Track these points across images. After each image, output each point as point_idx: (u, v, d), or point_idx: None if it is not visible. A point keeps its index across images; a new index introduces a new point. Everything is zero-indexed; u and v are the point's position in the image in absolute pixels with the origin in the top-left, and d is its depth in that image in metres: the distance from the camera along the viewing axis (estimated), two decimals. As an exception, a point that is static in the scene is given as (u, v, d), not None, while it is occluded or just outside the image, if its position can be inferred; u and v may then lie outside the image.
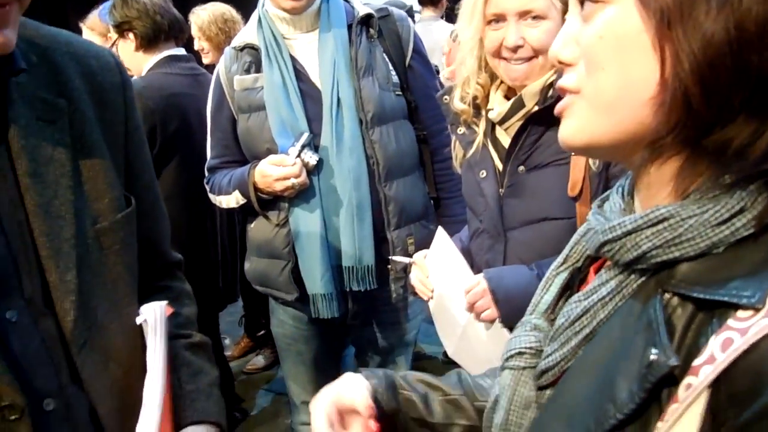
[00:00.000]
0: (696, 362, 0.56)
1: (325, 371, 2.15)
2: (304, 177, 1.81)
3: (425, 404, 0.95)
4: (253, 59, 1.91)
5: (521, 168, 1.51)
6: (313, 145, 1.84)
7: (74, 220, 0.87)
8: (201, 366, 1.06)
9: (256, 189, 1.86)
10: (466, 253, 1.63)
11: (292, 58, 1.88)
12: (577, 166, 1.46)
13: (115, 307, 0.92)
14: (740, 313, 0.54)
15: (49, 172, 0.86)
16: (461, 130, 1.63)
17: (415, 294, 1.79)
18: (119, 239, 0.93)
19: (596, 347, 0.67)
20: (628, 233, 0.63)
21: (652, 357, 0.57)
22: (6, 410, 0.78)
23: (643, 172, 0.65)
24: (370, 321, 2.07)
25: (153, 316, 0.94)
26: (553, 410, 0.71)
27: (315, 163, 1.82)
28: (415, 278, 1.69)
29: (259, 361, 3.93)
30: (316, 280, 1.88)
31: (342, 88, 1.85)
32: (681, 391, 0.56)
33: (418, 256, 1.72)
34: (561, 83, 0.67)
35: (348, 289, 1.92)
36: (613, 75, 0.61)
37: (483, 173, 1.56)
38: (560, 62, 0.68)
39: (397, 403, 0.93)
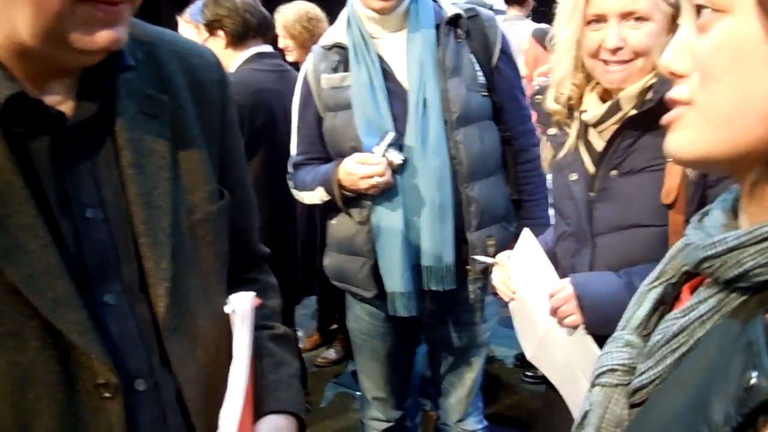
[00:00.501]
0: None
1: (398, 368, 2.17)
2: (388, 176, 1.83)
3: None
4: (341, 58, 1.93)
5: (614, 172, 1.48)
6: (398, 144, 1.86)
7: (171, 210, 0.90)
8: (283, 357, 1.08)
9: (341, 186, 1.89)
10: (551, 256, 1.61)
11: (380, 58, 1.90)
12: (673, 173, 1.42)
13: (205, 296, 0.95)
14: None
15: (150, 163, 0.89)
16: (552, 130, 1.61)
17: (495, 295, 1.78)
18: (212, 230, 0.96)
19: (690, 365, 0.66)
20: (731, 249, 0.60)
21: (752, 381, 0.55)
22: (101, 388, 0.82)
23: (756, 188, 0.63)
24: (445, 320, 2.07)
25: (241, 305, 0.96)
26: (641, 426, 0.70)
27: (400, 162, 1.84)
28: (497, 278, 1.69)
29: (330, 354, 3.98)
30: (395, 278, 1.90)
31: (428, 88, 1.86)
32: None
33: (502, 257, 1.71)
34: (672, 94, 0.65)
35: (426, 288, 1.93)
36: (730, 87, 0.59)
37: (573, 176, 1.54)
38: (672, 73, 0.66)
39: None
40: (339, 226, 2.00)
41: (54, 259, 0.78)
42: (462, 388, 2.16)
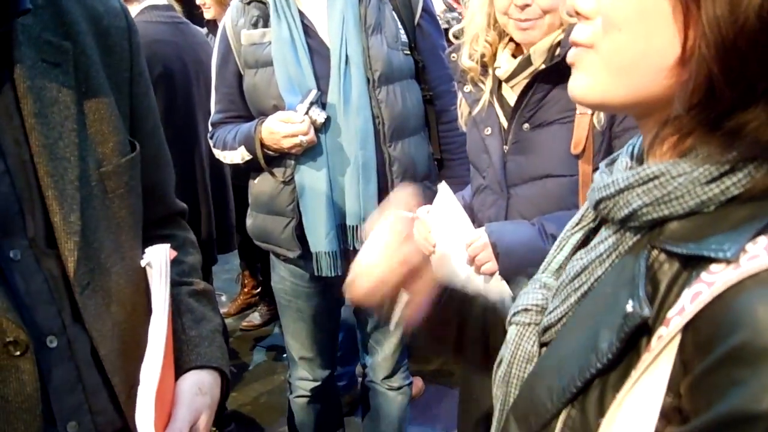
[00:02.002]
0: (669, 314, 0.58)
1: (324, 328, 2.18)
2: (312, 134, 1.81)
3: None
4: (261, 13, 1.89)
5: (526, 125, 1.54)
6: (321, 102, 1.84)
7: (78, 162, 0.87)
8: (204, 313, 1.07)
9: (263, 145, 1.86)
10: (468, 209, 1.66)
11: (301, 14, 1.87)
12: (581, 125, 1.49)
13: (118, 251, 0.93)
14: (713, 267, 0.56)
15: (54, 113, 0.86)
16: (468, 87, 1.65)
17: None
18: (123, 183, 0.94)
19: (589, 302, 0.69)
20: (621, 191, 0.64)
21: (628, 309, 0.59)
22: (10, 346, 0.79)
23: (655, 138, 0.65)
24: (370, 280, 2.08)
25: (157, 258, 0.94)
26: (547, 361, 0.73)
27: (323, 120, 1.82)
28: (417, 233, 1.71)
29: (255, 318, 3.97)
30: (320, 237, 1.90)
31: (350, 45, 1.84)
32: (654, 341, 0.59)
33: (421, 212, 1.73)
34: (574, 36, 0.67)
35: (351, 248, 1.93)
36: (631, 39, 0.61)
37: (488, 130, 1.59)
38: (577, 13, 0.67)
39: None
40: (261, 185, 1.97)
41: None
42: (388, 345, 2.19)
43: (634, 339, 0.60)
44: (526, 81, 1.53)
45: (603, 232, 0.71)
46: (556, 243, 0.84)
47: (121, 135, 0.94)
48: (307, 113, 1.80)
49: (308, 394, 2.24)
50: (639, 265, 0.62)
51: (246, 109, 1.96)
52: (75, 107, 0.88)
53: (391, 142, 1.89)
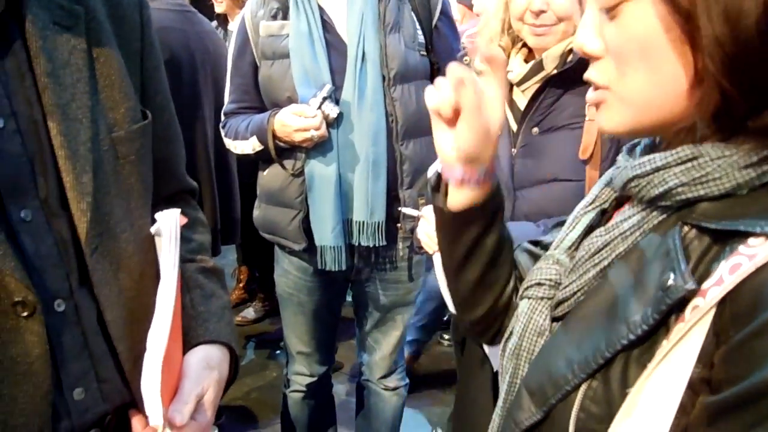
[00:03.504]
0: (705, 285, 0.59)
1: (324, 323, 2.18)
2: (323, 129, 1.82)
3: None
4: (280, 5, 1.89)
5: (535, 129, 1.56)
6: (335, 97, 1.84)
7: (90, 125, 0.87)
8: (214, 290, 1.07)
9: (275, 137, 1.86)
10: None
11: (320, 8, 1.87)
12: (590, 131, 1.51)
13: (128, 217, 0.92)
14: (751, 241, 0.58)
15: (66, 75, 0.86)
16: None
17: (420, 248, 1.81)
18: (135, 150, 0.93)
19: (613, 277, 0.70)
20: (657, 169, 0.66)
21: (670, 282, 0.61)
22: (18, 306, 0.79)
23: (676, 136, 0.67)
24: (373, 278, 2.09)
25: (167, 223, 0.93)
26: (565, 334, 0.74)
27: (335, 116, 1.83)
28: (422, 232, 1.72)
29: (249, 313, 3.96)
30: (326, 232, 1.90)
31: (368, 42, 1.84)
32: (688, 312, 0.60)
33: (428, 210, 1.74)
34: (589, 77, 0.71)
35: (357, 244, 1.93)
36: (643, 75, 0.65)
37: None
38: (585, 54, 0.71)
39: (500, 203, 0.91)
40: (270, 177, 1.97)
41: None
42: (387, 345, 2.19)
43: (670, 313, 0.61)
44: (537, 86, 1.55)
45: (627, 211, 0.72)
46: (568, 222, 0.85)
47: (133, 102, 0.94)
48: (320, 107, 1.80)
49: (303, 389, 2.24)
50: (674, 240, 0.63)
51: (259, 101, 1.96)
52: (87, 71, 0.88)
53: (403, 140, 1.90)
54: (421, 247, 1.79)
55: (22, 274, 0.78)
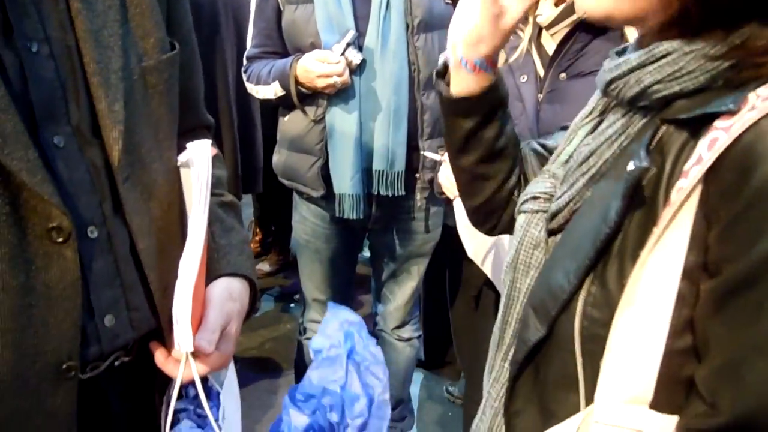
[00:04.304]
0: (686, 167, 0.60)
1: (340, 271, 2.19)
2: (346, 76, 1.80)
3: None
4: (305, -51, 1.87)
5: (563, 75, 1.54)
6: (358, 44, 1.82)
7: (122, 53, 0.86)
8: (233, 224, 1.07)
9: (297, 83, 1.85)
10: None
11: (345, -47, 1.84)
12: None
13: (157, 147, 0.93)
14: (724, 117, 0.58)
15: (98, 2, 0.85)
16: None
17: (441, 193, 1.82)
18: (163, 80, 0.93)
19: (601, 187, 0.71)
20: (632, 69, 0.66)
21: (628, 167, 0.62)
22: (53, 232, 0.79)
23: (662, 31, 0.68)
24: (390, 228, 2.09)
25: (199, 153, 0.93)
26: (561, 247, 0.75)
27: (359, 62, 1.81)
28: (443, 176, 1.72)
29: (264, 267, 3.99)
30: (345, 179, 1.90)
31: None
32: (673, 194, 0.60)
33: None
34: None
35: (375, 193, 1.94)
36: None
37: (523, 78, 1.59)
38: None
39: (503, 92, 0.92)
40: (291, 122, 1.97)
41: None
42: (402, 295, 2.20)
43: (642, 199, 0.62)
44: (567, 29, 1.53)
45: (611, 116, 0.73)
46: (566, 135, 0.85)
47: (162, 32, 0.93)
48: (343, 54, 1.79)
49: None
50: (645, 136, 0.64)
51: (282, 46, 1.95)
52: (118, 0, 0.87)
53: (425, 90, 1.88)
54: (442, 192, 1.80)
55: (57, 199, 0.78)
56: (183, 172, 0.97)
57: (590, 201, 0.72)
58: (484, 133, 0.92)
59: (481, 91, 0.89)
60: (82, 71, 0.84)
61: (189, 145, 0.94)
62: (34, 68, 0.79)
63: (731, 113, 0.58)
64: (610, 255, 0.65)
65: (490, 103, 0.90)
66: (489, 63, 0.86)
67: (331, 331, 0.83)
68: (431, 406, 2.80)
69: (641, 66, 0.65)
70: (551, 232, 0.79)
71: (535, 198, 0.82)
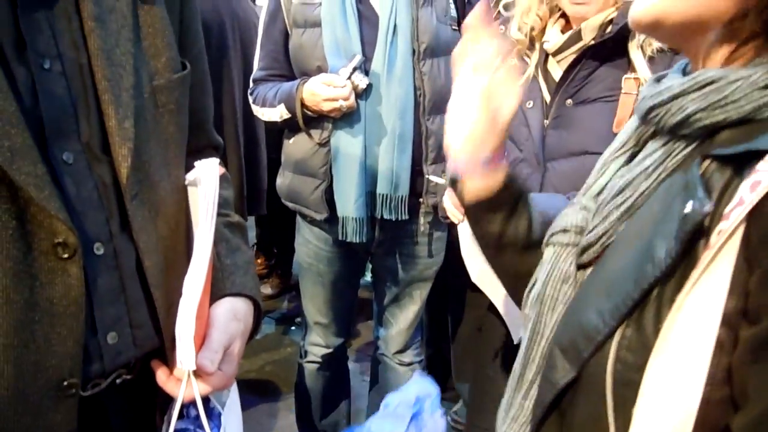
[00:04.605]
0: (727, 209, 0.57)
1: (342, 295, 2.18)
2: (352, 100, 1.82)
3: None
4: (313, -27, 1.89)
5: (569, 101, 1.54)
6: (364, 68, 1.84)
7: (133, 72, 0.87)
8: (239, 244, 1.08)
9: (303, 106, 1.86)
10: None
11: (353, -21, 1.87)
12: (625, 104, 1.49)
13: (166, 166, 0.93)
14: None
15: (112, 21, 0.86)
16: (512, 60, 1.64)
17: (446, 218, 1.81)
18: (174, 99, 0.94)
19: (638, 220, 0.68)
20: (675, 97, 0.64)
21: (687, 210, 0.58)
22: (59, 248, 0.79)
23: (711, 49, 0.65)
24: (393, 251, 2.09)
25: (207, 171, 0.94)
26: (593, 283, 0.71)
27: (365, 87, 1.82)
28: (448, 201, 1.72)
29: (266, 290, 3.97)
30: (349, 203, 1.90)
31: (400, 15, 1.84)
32: (713, 237, 0.57)
33: None
34: None
35: (378, 216, 1.94)
36: None
37: (530, 104, 1.59)
38: None
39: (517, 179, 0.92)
40: (296, 145, 1.97)
41: (10, 106, 0.74)
42: (404, 320, 2.19)
43: (692, 242, 0.58)
44: (573, 56, 1.53)
45: (649, 147, 0.70)
46: (597, 167, 0.83)
47: (173, 52, 0.94)
48: (349, 78, 1.80)
49: (319, 360, 2.25)
50: (692, 171, 0.61)
51: (289, 69, 1.97)
52: (131, 18, 0.88)
53: (430, 115, 1.89)
54: (446, 217, 1.80)
55: (65, 215, 0.79)
56: (190, 190, 0.97)
57: (626, 236, 0.69)
58: (510, 229, 0.91)
59: (497, 188, 0.89)
60: (94, 89, 0.85)
61: (197, 163, 0.95)
62: (46, 85, 0.80)
63: None
64: (650, 298, 0.62)
65: (512, 195, 0.90)
66: (496, 160, 0.87)
67: (408, 392, 0.85)
68: None
69: (684, 93, 0.63)
70: (580, 266, 0.76)
71: (565, 231, 0.80)
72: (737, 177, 0.58)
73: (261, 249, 4.13)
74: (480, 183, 0.88)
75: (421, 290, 2.16)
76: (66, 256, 0.80)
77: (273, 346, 3.45)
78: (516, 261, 0.92)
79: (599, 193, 0.79)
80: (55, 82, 0.81)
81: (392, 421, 0.79)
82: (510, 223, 0.91)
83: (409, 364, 2.27)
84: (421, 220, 2.00)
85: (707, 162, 0.62)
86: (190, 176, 0.95)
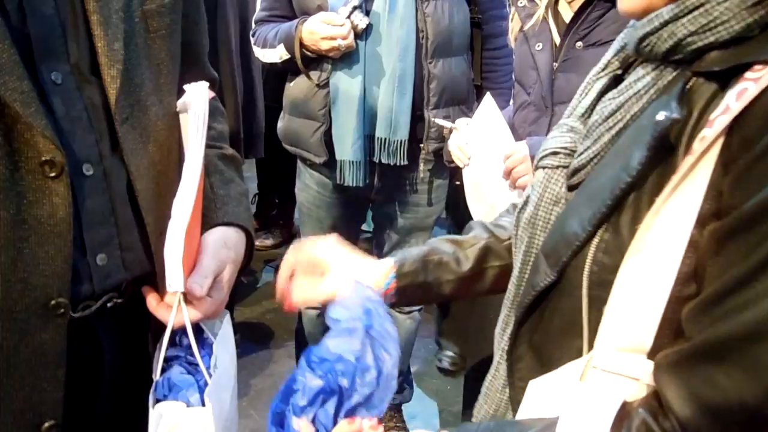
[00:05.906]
0: (712, 116, 0.58)
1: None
2: (351, 39, 1.78)
3: (456, 261, 0.97)
4: None
5: (579, 43, 1.51)
6: (365, 8, 1.80)
7: None
8: (232, 176, 1.07)
9: (302, 45, 1.83)
10: (510, 126, 1.64)
11: None
12: None
13: (157, 91, 0.92)
14: (757, 67, 0.57)
15: None
16: (522, 2, 1.62)
17: (451, 161, 1.80)
18: (165, 25, 0.92)
19: (626, 138, 0.69)
20: (665, 23, 0.64)
21: (658, 117, 0.60)
22: (46, 166, 0.78)
23: None
24: (393, 199, 2.08)
25: (196, 95, 0.92)
26: (577, 198, 0.74)
27: (364, 27, 1.79)
28: (454, 144, 1.70)
29: (267, 240, 3.98)
30: (346, 145, 1.88)
31: None
32: (695, 143, 0.59)
33: (461, 122, 1.72)
34: None
35: (377, 161, 1.92)
36: None
37: (539, 46, 1.56)
38: None
39: (426, 273, 0.97)
40: (296, 87, 1.95)
41: None
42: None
43: (667, 149, 0.60)
44: None
45: (639, 71, 0.70)
46: (580, 89, 0.83)
47: None
48: (348, 17, 1.77)
49: (319, 306, 2.25)
50: (676, 88, 0.62)
51: (290, 9, 1.93)
52: None
53: (432, 58, 1.86)
54: (451, 161, 1.78)
55: (51, 133, 0.78)
56: (182, 117, 0.96)
57: (611, 154, 0.70)
58: (495, 277, 0.97)
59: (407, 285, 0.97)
60: (83, 9, 0.83)
61: (186, 87, 0.93)
62: (34, 3, 0.79)
63: (765, 63, 0.56)
64: (626, 202, 0.64)
65: (413, 291, 0.97)
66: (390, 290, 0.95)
67: (352, 304, 0.86)
68: (430, 378, 2.80)
69: (674, 19, 0.63)
70: (571, 188, 0.77)
71: (555, 153, 0.80)
72: (723, 88, 0.60)
73: (262, 199, 4.13)
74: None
75: (420, 239, 2.15)
76: (53, 174, 0.79)
77: (273, 295, 3.46)
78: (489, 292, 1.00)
79: (585, 115, 0.80)
80: (43, 1, 0.80)
81: (347, 338, 0.81)
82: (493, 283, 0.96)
83: (408, 313, 2.27)
84: (421, 166, 1.98)
85: (695, 78, 0.63)
86: (180, 102, 0.94)
